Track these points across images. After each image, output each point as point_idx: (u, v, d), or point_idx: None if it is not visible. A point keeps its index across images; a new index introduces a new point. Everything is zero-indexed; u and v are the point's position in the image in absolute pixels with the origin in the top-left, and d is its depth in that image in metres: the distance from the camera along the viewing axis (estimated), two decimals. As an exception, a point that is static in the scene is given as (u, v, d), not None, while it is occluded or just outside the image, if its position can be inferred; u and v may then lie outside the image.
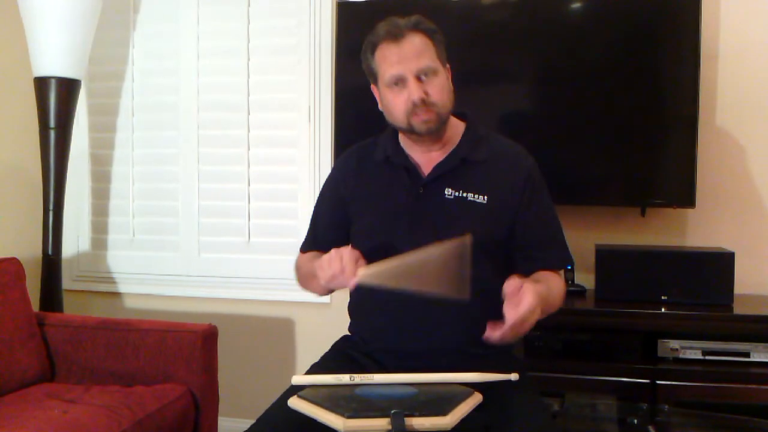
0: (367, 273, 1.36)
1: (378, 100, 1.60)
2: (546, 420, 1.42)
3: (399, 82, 1.50)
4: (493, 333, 1.30)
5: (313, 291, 1.65)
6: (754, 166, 2.39)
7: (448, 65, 1.56)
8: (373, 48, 1.53)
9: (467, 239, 1.35)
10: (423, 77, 1.49)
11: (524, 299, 1.27)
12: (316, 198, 1.77)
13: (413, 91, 1.48)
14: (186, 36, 2.79)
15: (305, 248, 1.75)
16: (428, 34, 1.51)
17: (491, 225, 1.53)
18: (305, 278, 1.67)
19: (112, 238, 2.92)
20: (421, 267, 1.37)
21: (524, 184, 1.56)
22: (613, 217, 2.46)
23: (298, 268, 1.72)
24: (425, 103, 1.48)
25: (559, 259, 1.61)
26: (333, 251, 1.39)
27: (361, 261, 1.39)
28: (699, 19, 2.23)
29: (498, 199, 1.54)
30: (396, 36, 1.49)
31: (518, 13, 2.40)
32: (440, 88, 1.51)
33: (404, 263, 1.37)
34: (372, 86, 1.60)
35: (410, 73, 1.48)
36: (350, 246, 1.43)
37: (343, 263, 1.36)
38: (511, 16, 2.41)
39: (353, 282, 1.36)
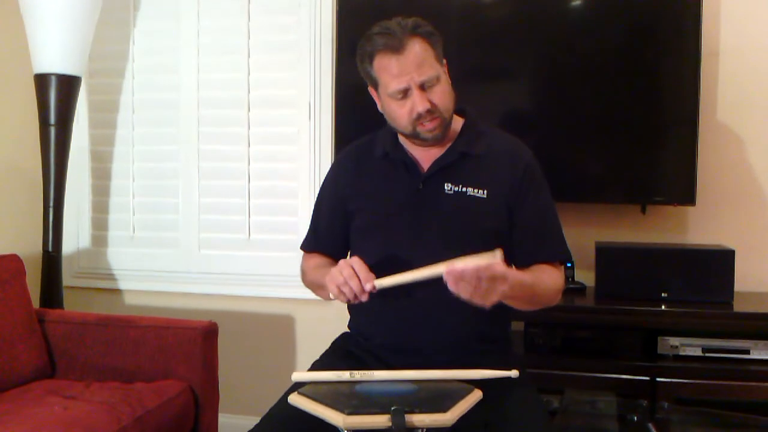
0: (382, 284, 1.39)
1: (377, 103, 1.59)
2: (542, 417, 1.42)
3: (402, 92, 1.49)
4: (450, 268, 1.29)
5: (322, 297, 1.65)
6: (755, 164, 2.39)
7: (444, 60, 1.55)
8: (371, 57, 1.51)
9: (498, 252, 1.34)
10: (426, 86, 1.48)
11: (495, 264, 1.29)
12: (316, 195, 1.77)
13: (418, 103, 1.47)
14: (186, 33, 2.78)
15: (306, 246, 1.75)
16: (426, 37, 1.49)
17: (491, 219, 1.54)
18: (312, 286, 1.68)
19: (113, 234, 2.92)
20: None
21: (522, 178, 1.56)
22: (613, 215, 2.46)
23: (304, 273, 1.72)
24: (430, 111, 1.49)
25: (556, 253, 1.61)
26: (342, 261, 1.41)
27: (371, 273, 1.40)
28: (700, 16, 2.23)
29: (498, 193, 1.54)
30: (395, 48, 1.46)
31: (518, 11, 2.40)
32: (443, 94, 1.51)
33: (417, 276, 1.38)
34: (370, 88, 1.59)
35: (415, 85, 1.47)
36: (357, 257, 1.44)
37: (355, 269, 1.38)
38: (511, 14, 2.41)
39: (369, 286, 1.37)
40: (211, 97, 2.78)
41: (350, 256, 1.67)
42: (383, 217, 1.58)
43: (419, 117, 1.49)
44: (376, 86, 1.55)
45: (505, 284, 1.31)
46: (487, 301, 1.31)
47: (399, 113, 1.51)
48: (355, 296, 1.39)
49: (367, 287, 1.38)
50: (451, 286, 1.29)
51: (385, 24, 1.49)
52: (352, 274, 1.38)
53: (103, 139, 2.91)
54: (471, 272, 1.27)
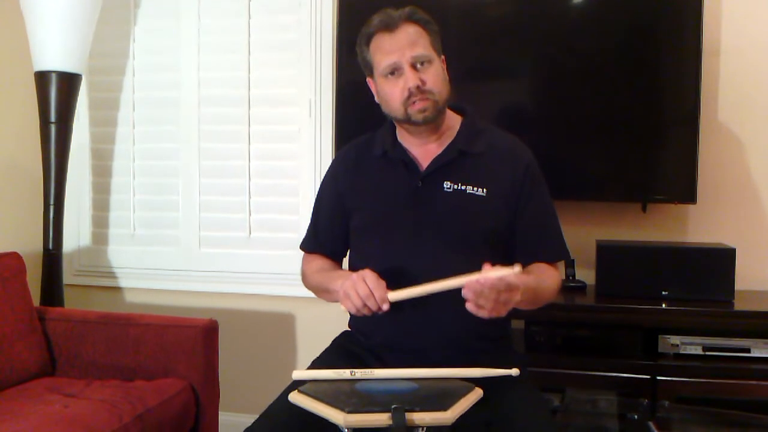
0: (396, 297, 1.38)
1: (374, 93, 1.60)
2: (545, 416, 1.42)
3: (395, 71, 1.51)
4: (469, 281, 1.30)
5: (326, 300, 1.65)
6: (756, 162, 2.39)
7: (443, 56, 1.57)
8: (368, 39, 1.55)
9: (517, 268, 1.34)
10: (418, 65, 1.50)
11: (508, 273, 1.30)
12: (316, 194, 1.77)
13: (409, 79, 1.49)
14: (187, 31, 2.78)
15: (306, 245, 1.75)
16: (422, 24, 1.53)
17: (491, 218, 1.54)
18: (316, 289, 1.67)
19: (113, 232, 2.92)
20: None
21: (523, 177, 1.56)
22: (614, 213, 2.46)
23: (305, 276, 1.72)
24: (421, 90, 1.49)
25: (556, 252, 1.61)
26: (355, 276, 1.40)
27: (382, 281, 1.40)
28: (701, 15, 2.23)
29: (497, 191, 1.54)
30: (390, 26, 1.51)
31: (519, 9, 2.40)
32: (436, 76, 1.52)
33: (432, 289, 1.38)
34: (368, 79, 1.61)
35: (406, 61, 1.49)
36: (368, 269, 1.42)
37: (369, 286, 1.37)
38: (511, 12, 2.41)
39: (386, 306, 1.37)
40: (212, 95, 2.78)
41: (350, 255, 1.68)
42: (382, 216, 1.58)
43: (410, 95, 1.49)
44: (372, 72, 1.57)
45: (518, 294, 1.33)
46: (504, 311, 1.33)
47: (391, 94, 1.52)
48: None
49: (384, 307, 1.38)
50: (471, 301, 1.30)
51: (384, 10, 1.54)
52: (368, 294, 1.37)
53: (104, 136, 2.91)
54: (490, 285, 1.28)
